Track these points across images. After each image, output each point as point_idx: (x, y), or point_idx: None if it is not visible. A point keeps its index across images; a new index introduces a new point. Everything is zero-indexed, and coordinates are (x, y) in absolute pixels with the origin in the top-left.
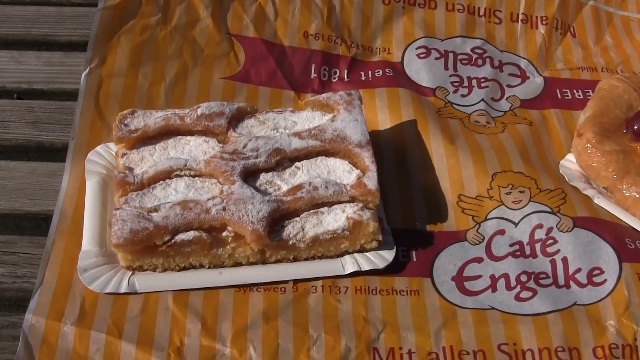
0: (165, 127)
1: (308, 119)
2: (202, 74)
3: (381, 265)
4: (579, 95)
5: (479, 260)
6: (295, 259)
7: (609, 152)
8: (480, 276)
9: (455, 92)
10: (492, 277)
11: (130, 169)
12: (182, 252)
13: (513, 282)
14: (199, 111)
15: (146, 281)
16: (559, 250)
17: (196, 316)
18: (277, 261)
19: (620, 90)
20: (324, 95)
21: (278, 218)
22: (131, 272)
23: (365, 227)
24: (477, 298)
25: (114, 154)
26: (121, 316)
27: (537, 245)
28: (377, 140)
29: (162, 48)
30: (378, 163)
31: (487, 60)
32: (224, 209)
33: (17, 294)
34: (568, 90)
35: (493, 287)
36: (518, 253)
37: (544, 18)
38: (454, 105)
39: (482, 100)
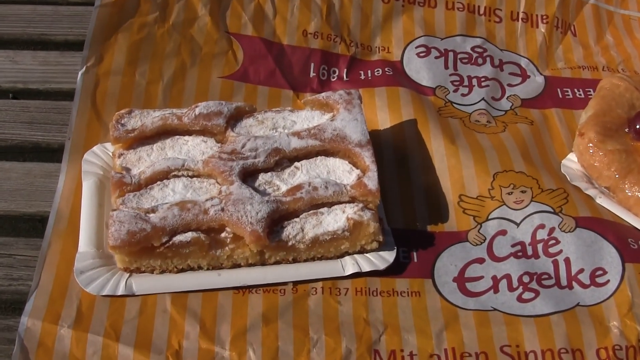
0: (163, 126)
1: (307, 119)
2: (200, 73)
3: (382, 266)
4: (580, 95)
5: (480, 261)
6: (294, 260)
7: (611, 152)
8: (482, 277)
9: (455, 91)
10: (494, 278)
11: (128, 170)
12: (180, 254)
13: (515, 283)
14: (197, 111)
15: (144, 283)
16: (561, 251)
17: (195, 318)
18: (277, 262)
19: (622, 89)
20: (323, 94)
21: (277, 219)
22: (128, 274)
23: (365, 228)
24: (479, 299)
25: (111, 154)
26: (118, 319)
27: (539, 246)
28: (377, 140)
29: (160, 46)
30: (378, 163)
31: (488, 59)
32: (222, 209)
33: (13, 296)
34: (569, 90)
35: (495, 288)
36: (520, 254)
37: (544, 17)
38: (455, 105)
39: (483, 99)
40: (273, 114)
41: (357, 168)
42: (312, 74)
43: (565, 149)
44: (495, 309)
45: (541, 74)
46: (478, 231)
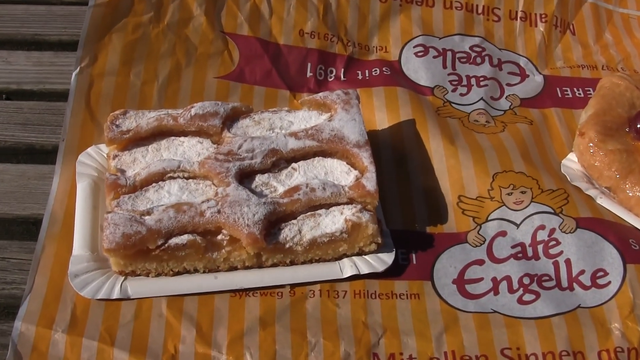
0: (158, 127)
1: (304, 119)
2: (196, 73)
3: (380, 268)
4: (579, 94)
5: (480, 262)
6: (292, 263)
7: (612, 152)
8: (481, 279)
9: (454, 91)
10: (494, 279)
11: (122, 171)
12: (176, 257)
13: (515, 285)
14: (193, 111)
15: (139, 286)
16: (562, 252)
17: (191, 322)
18: (274, 265)
19: (622, 88)
20: (320, 94)
21: (274, 221)
22: (124, 278)
23: (364, 230)
24: (479, 301)
25: (106, 155)
26: (114, 323)
27: (540, 247)
28: (375, 140)
29: (154, 46)
30: (376, 163)
31: (486, 58)
32: (218, 211)
33: (7, 300)
34: (568, 89)
35: (495, 290)
36: (520, 255)
37: (543, 15)
38: (453, 105)
39: (482, 99)
40: (270, 115)
41: (355, 169)
42: (309, 74)
43: (565, 149)
44: (495, 311)
45: (540, 73)
46: (478, 232)
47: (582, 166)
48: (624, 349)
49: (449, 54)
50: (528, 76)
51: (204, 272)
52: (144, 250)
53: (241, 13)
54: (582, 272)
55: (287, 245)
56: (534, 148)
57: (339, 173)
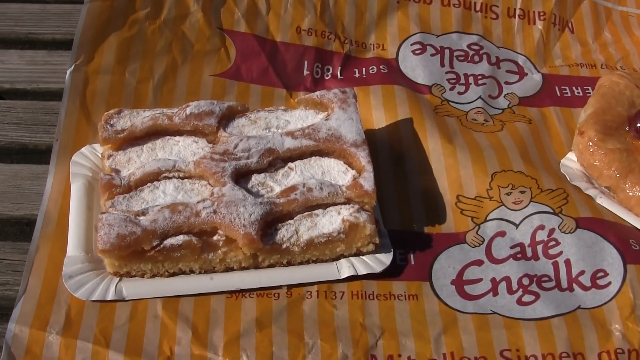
0: (153, 127)
1: (301, 118)
2: (192, 71)
3: (378, 269)
4: (578, 93)
5: (479, 263)
6: (289, 263)
7: (612, 151)
8: (480, 279)
9: (451, 89)
10: (493, 280)
11: (117, 171)
12: (171, 257)
13: (515, 286)
14: (188, 110)
15: (134, 288)
16: (561, 252)
17: (187, 324)
18: (270, 266)
19: (622, 86)
20: (317, 93)
21: (271, 221)
22: (118, 279)
23: (361, 230)
24: (477, 302)
25: (100, 155)
26: (108, 325)
27: (539, 247)
28: (372, 140)
29: (150, 43)
30: (374, 163)
31: (484, 56)
32: (214, 211)
33: (0, 302)
34: (567, 88)
35: (494, 290)
36: (519, 255)
37: (541, 13)
38: (451, 103)
39: (480, 97)
40: (266, 114)
41: (353, 168)
42: (305, 72)
43: (565, 148)
44: (494, 312)
45: (539, 71)
46: (476, 232)
47: (581, 165)
48: (624, 350)
49: (447, 52)
50: (526, 74)
51: (199, 273)
52: (139, 251)
53: (238, 9)
54: (582, 272)
55: (284, 246)
56: (533, 147)
57: (336, 173)
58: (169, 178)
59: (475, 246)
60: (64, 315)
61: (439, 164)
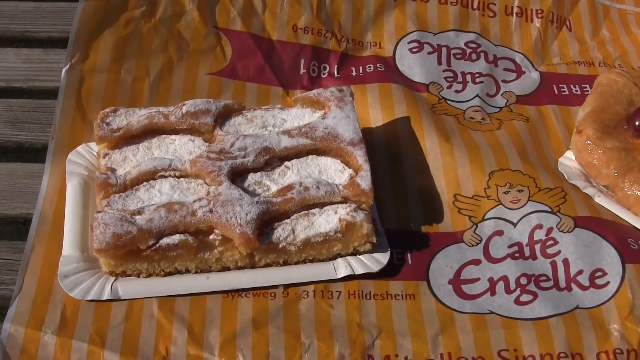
0: (149, 125)
1: (298, 117)
2: (188, 69)
3: (375, 268)
4: (576, 91)
5: (476, 262)
6: (285, 263)
7: (610, 149)
8: (478, 279)
9: (449, 87)
10: (490, 279)
11: (113, 170)
12: (167, 257)
13: (512, 285)
14: (184, 109)
15: (130, 287)
16: (559, 252)
17: (182, 324)
18: (267, 265)
19: (620, 85)
20: (314, 91)
21: (267, 220)
22: (114, 278)
23: (358, 229)
24: (475, 302)
25: (96, 154)
26: (104, 324)
27: (537, 247)
28: (369, 138)
29: (146, 42)
30: (371, 162)
31: (482, 54)
32: (210, 211)
33: None
34: (565, 86)
35: (492, 290)
36: (517, 254)
37: (539, 11)
38: (448, 101)
39: (477, 96)
40: (262, 112)
41: (350, 167)
42: (302, 71)
43: (562, 147)
44: (492, 312)
45: (536, 69)
46: (474, 232)
47: (579, 164)
48: (623, 350)
49: (444, 50)
50: (524, 73)
51: (195, 272)
52: (134, 250)
53: (234, 8)
54: (580, 272)
55: (281, 245)
56: (531, 146)
57: (332, 172)
58: (165, 177)
59: (473, 245)
60: (59, 315)
61: (436, 162)
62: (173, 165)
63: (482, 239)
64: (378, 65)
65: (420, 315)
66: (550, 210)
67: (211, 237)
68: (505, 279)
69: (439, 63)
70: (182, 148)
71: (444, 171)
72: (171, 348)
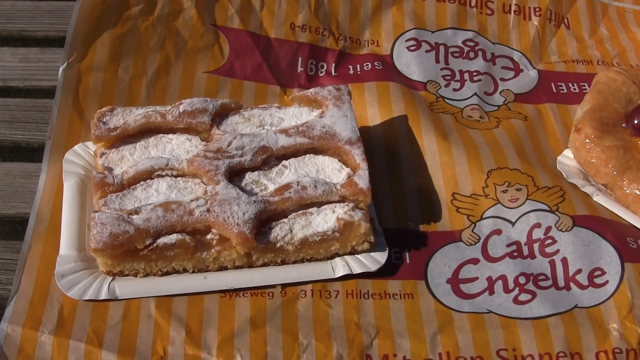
0: (146, 124)
1: (295, 115)
2: (185, 68)
3: (373, 267)
4: (574, 89)
5: (475, 261)
6: (283, 262)
7: (609, 148)
8: (476, 278)
9: (447, 86)
10: (489, 279)
11: (110, 169)
12: (164, 256)
13: (511, 284)
14: (181, 108)
15: (127, 287)
16: (558, 251)
17: (180, 323)
18: (265, 265)
19: (619, 83)
20: (311, 90)
21: (265, 219)
22: (111, 278)
23: (356, 228)
24: (473, 301)
25: (93, 153)
26: (101, 324)
27: (536, 246)
28: (367, 137)
29: (144, 40)
30: (368, 160)
31: (479, 53)
32: (208, 210)
33: None
34: (563, 84)
35: (490, 289)
36: (516, 254)
37: (537, 9)
38: (446, 100)
39: (475, 94)
40: (260, 111)
41: (347, 166)
42: (299, 69)
43: (561, 145)
44: (490, 312)
45: (534, 68)
46: (472, 231)
47: (578, 163)
48: (622, 350)
49: (442, 48)
50: (522, 71)
51: (193, 272)
52: (132, 250)
53: (232, 5)
54: (579, 271)
55: (278, 245)
56: (529, 144)
57: (330, 171)
58: (162, 176)
59: (471, 244)
60: (56, 315)
61: (434, 161)
62: (170, 165)
63: (480, 238)
64: (376, 63)
65: (418, 315)
66: (548, 209)
67: (208, 236)
68: (503, 278)
69: (437, 61)
70: (179, 147)
71: (442, 170)
72: (169, 348)
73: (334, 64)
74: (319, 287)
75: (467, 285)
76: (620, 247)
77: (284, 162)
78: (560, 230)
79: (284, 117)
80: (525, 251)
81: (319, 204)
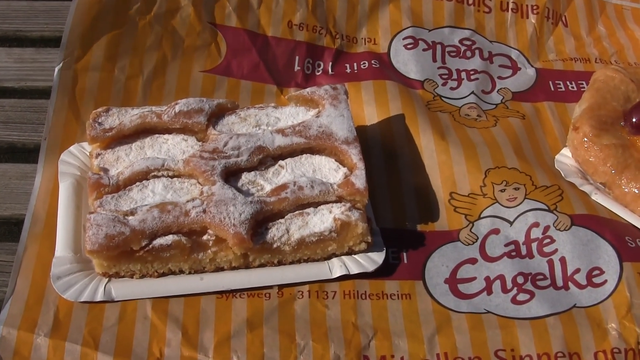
0: (142, 125)
1: (292, 115)
2: (182, 67)
3: (370, 268)
4: (572, 87)
5: (472, 261)
6: (280, 263)
7: (607, 146)
8: (474, 278)
9: (444, 84)
10: (487, 279)
11: (105, 170)
12: (160, 258)
13: (509, 284)
14: (177, 108)
15: (123, 288)
16: (556, 250)
17: (176, 325)
18: (261, 265)
19: (617, 81)
20: (308, 89)
21: (261, 220)
22: (107, 279)
23: (353, 229)
24: (471, 301)
25: (89, 154)
26: (97, 326)
27: (534, 245)
28: (364, 136)
29: (140, 39)
30: (365, 160)
31: (477, 51)
32: (204, 211)
33: None
34: (561, 82)
35: (488, 289)
36: (514, 253)
37: (534, 7)
38: (443, 98)
39: (473, 92)
40: (256, 111)
41: (344, 166)
42: (296, 68)
43: (559, 144)
44: (488, 312)
45: (532, 66)
46: (470, 230)
47: (576, 161)
48: (621, 349)
49: (439, 47)
50: (520, 69)
51: (189, 273)
52: (127, 251)
53: (229, 3)
54: (577, 270)
55: (275, 245)
56: (527, 143)
57: (327, 170)
58: (158, 177)
59: (469, 244)
60: (52, 317)
61: (431, 160)
62: (166, 165)
63: (478, 238)
64: (373, 61)
65: (416, 315)
66: (547, 208)
67: (205, 237)
68: (501, 278)
69: (434, 60)
70: (175, 147)
71: (439, 169)
72: (165, 350)
73: (331, 63)
74: (316, 288)
75: (465, 285)
76: (618, 246)
77: (281, 162)
78: (559, 229)
79: (280, 117)
80: (524, 251)
81: (316, 204)
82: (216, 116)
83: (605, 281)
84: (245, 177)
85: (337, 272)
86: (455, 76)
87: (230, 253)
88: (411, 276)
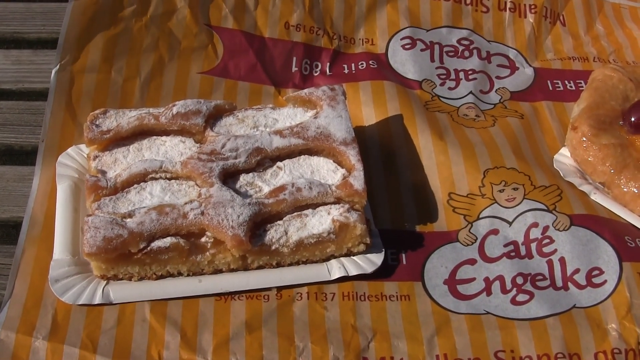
0: (139, 127)
1: (289, 116)
2: (179, 69)
3: (369, 269)
4: (570, 87)
5: (472, 262)
6: (278, 265)
7: (606, 146)
8: (473, 279)
9: (442, 84)
10: (486, 279)
11: (103, 172)
12: (158, 260)
13: (508, 285)
14: (175, 110)
15: (121, 291)
16: (555, 250)
17: (175, 327)
18: (260, 267)
19: (616, 80)
20: (305, 90)
21: (260, 222)
22: (105, 282)
23: (352, 230)
24: (471, 302)
25: (86, 156)
26: (95, 329)
27: (533, 245)
28: (362, 137)
29: (137, 41)
30: (364, 161)
31: (474, 51)
32: (202, 213)
33: None
34: (559, 81)
35: (487, 290)
36: (513, 254)
37: (532, 6)
38: (442, 99)
39: (471, 92)
40: (254, 112)
41: (342, 167)
42: (294, 69)
43: (557, 144)
44: (488, 313)
45: (530, 65)
46: (469, 231)
47: (575, 161)
48: (621, 350)
49: (437, 47)
50: (518, 69)
51: (188, 275)
52: (125, 254)
53: (226, 5)
54: (576, 270)
55: (273, 247)
56: (526, 143)
57: (325, 172)
58: (155, 179)
59: (468, 245)
60: (50, 320)
61: (430, 161)
62: (164, 167)
63: (477, 238)
64: (370, 62)
65: (415, 317)
66: (546, 208)
67: (203, 239)
68: (501, 278)
69: (432, 60)
70: (173, 149)
71: (438, 170)
72: (164, 352)
73: (328, 64)
74: (314, 290)
75: (464, 286)
76: (618, 246)
77: (279, 164)
78: (558, 229)
79: (278, 118)
80: (523, 251)
81: (314, 206)
82: (214, 118)
83: (605, 281)
84: (243, 179)
85: (336, 273)
86: (453, 76)
87: (229, 255)
88: (410, 277)
